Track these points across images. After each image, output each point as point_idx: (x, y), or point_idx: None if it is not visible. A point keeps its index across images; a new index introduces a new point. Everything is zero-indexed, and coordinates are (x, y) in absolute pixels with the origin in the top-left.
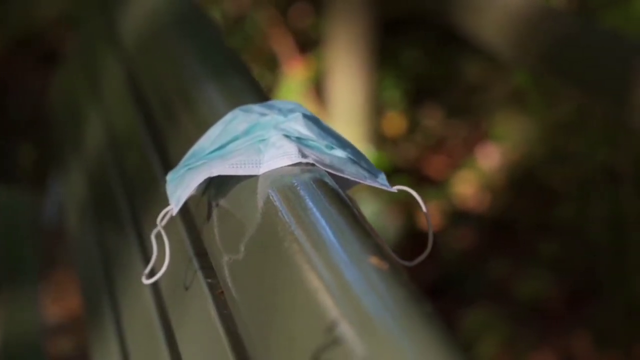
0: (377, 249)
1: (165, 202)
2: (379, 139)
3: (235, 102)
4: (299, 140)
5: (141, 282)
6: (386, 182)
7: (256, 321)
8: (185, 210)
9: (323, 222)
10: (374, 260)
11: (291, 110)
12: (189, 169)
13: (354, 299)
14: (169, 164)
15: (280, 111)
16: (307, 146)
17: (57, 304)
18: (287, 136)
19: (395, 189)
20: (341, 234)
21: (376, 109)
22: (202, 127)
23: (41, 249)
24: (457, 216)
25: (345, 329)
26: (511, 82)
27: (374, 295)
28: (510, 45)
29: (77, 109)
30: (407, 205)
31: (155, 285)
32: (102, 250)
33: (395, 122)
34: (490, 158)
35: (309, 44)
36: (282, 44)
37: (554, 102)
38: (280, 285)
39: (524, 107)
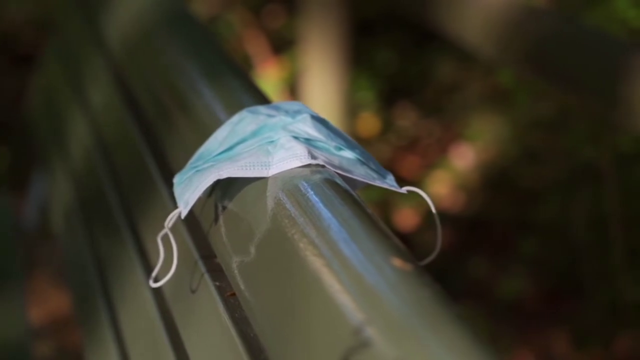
0: (397, 250)
1: (163, 204)
2: (353, 139)
3: (233, 103)
4: (308, 141)
5: (140, 286)
6: (395, 183)
7: (274, 324)
8: (188, 213)
9: (338, 223)
10: (396, 262)
11: (298, 112)
12: (197, 171)
13: (380, 300)
14: (166, 166)
15: (287, 112)
16: (316, 147)
17: (38, 307)
18: (296, 138)
19: (404, 189)
20: (359, 235)
21: (350, 110)
22: (200, 129)
23: (23, 252)
24: (431, 215)
25: (374, 331)
26: (484, 81)
27: (400, 297)
28: (492, 45)
29: (58, 111)
30: (382, 206)
31: (156, 288)
32: (93, 252)
33: (369, 123)
34: (464, 158)
35: (282, 44)
36: (256, 45)
37: (536, 100)
38: (298, 288)
39: (498, 106)
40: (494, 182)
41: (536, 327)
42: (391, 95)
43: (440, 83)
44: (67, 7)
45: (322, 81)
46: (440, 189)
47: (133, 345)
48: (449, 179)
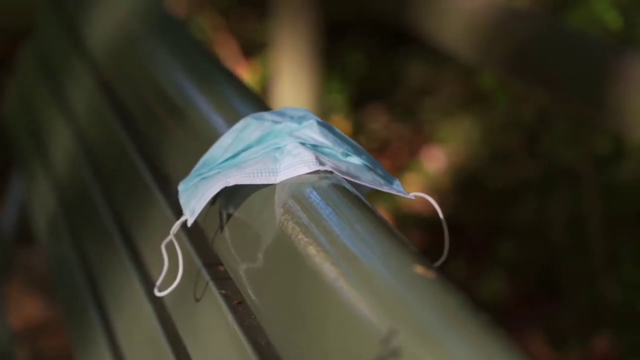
0: (417, 257)
1: (159, 211)
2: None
3: (227, 106)
4: (315, 147)
5: (137, 295)
6: (402, 189)
7: (290, 333)
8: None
9: (353, 230)
10: (419, 269)
11: (303, 117)
12: (203, 178)
13: (407, 308)
14: (159, 172)
15: (293, 118)
16: (323, 154)
17: (14, 313)
18: (303, 144)
19: (412, 195)
20: (376, 242)
21: (321, 113)
22: (194, 133)
23: (1, 257)
24: (405, 219)
25: (404, 340)
26: (456, 84)
27: (427, 304)
28: (474, 48)
29: (37, 116)
30: None
31: (155, 297)
32: (81, 260)
33: (340, 126)
34: (436, 160)
35: (253, 48)
36: (227, 49)
37: (514, 103)
38: (314, 296)
39: (469, 109)
40: (466, 184)
41: (514, 329)
42: (362, 98)
43: (411, 86)
44: (43, 12)
45: (294, 84)
46: (411, 191)
47: (132, 357)
48: (420, 181)
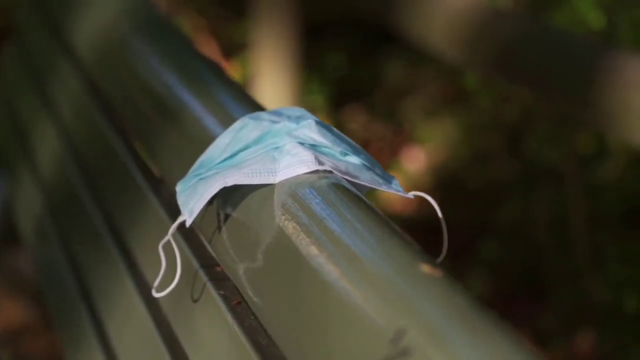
0: (422, 256)
1: (152, 212)
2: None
3: (220, 108)
4: (314, 147)
5: (131, 296)
6: (400, 188)
7: (294, 332)
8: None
9: (356, 229)
10: (426, 268)
11: (300, 117)
12: (201, 179)
13: (415, 307)
14: (150, 173)
15: (290, 118)
16: (322, 153)
17: None
18: (301, 143)
19: (411, 194)
20: (381, 241)
21: None
22: (186, 134)
23: None
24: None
25: (414, 340)
26: (436, 84)
27: (436, 303)
28: (458, 48)
29: (22, 120)
30: None
31: (150, 299)
32: (71, 262)
33: None
34: (416, 160)
35: (233, 49)
36: (207, 49)
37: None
38: (317, 296)
39: (450, 109)
40: (446, 184)
41: None
42: (342, 99)
43: (391, 86)
44: (25, 13)
45: (274, 85)
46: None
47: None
48: (400, 182)
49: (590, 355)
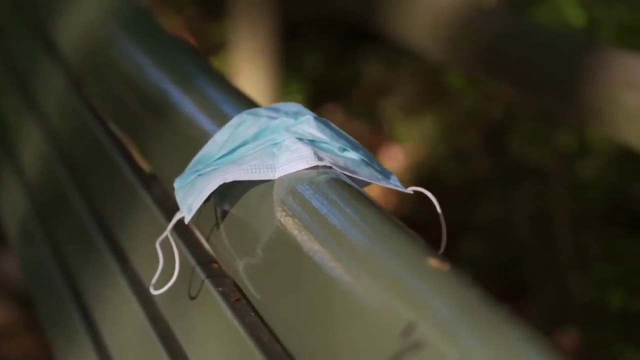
0: (428, 250)
1: (144, 210)
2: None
3: (209, 103)
4: (312, 143)
5: (124, 295)
6: (399, 183)
7: (298, 328)
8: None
9: (360, 224)
10: (433, 262)
11: (298, 113)
12: (199, 175)
13: (425, 301)
14: (141, 171)
15: (287, 114)
16: (321, 149)
17: None
18: (300, 139)
19: (410, 190)
20: (385, 235)
21: None
22: (177, 130)
23: None
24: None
25: (425, 334)
26: (414, 83)
27: (446, 297)
28: (442, 46)
29: (5, 121)
30: None
31: (145, 297)
32: (60, 262)
33: None
34: (395, 159)
35: (212, 48)
36: None
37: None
38: (322, 291)
39: (428, 107)
40: (426, 183)
41: None
42: (320, 98)
43: (368, 85)
44: (5, 12)
45: (252, 84)
46: (371, 190)
47: (121, 358)
48: None
49: (573, 352)
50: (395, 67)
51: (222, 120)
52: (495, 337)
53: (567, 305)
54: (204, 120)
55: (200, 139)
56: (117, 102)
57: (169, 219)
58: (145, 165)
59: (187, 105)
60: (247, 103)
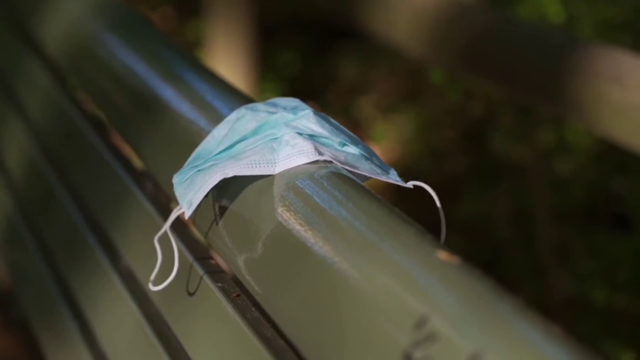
0: (436, 244)
1: (137, 206)
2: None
3: (198, 98)
4: (312, 137)
5: (118, 292)
6: (398, 177)
7: (304, 322)
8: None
9: (365, 218)
10: (443, 255)
11: (296, 108)
12: (199, 170)
13: (438, 296)
14: (132, 168)
15: (286, 109)
16: (321, 144)
17: None
18: (300, 134)
19: (410, 184)
20: (392, 229)
21: None
22: (171, 127)
23: None
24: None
25: (437, 327)
26: (389, 82)
27: (458, 290)
28: (424, 44)
29: None
30: None
31: (139, 294)
32: (47, 261)
33: None
34: None
35: (187, 47)
36: None
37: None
38: (329, 285)
39: (404, 106)
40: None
41: None
42: (295, 97)
43: (344, 84)
44: None
45: None
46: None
47: (116, 357)
48: None
49: None
50: (371, 65)
51: (212, 114)
52: (509, 329)
53: (549, 302)
54: (194, 116)
55: (190, 134)
56: (106, 99)
57: (162, 215)
58: (135, 162)
59: (177, 101)
60: (238, 98)
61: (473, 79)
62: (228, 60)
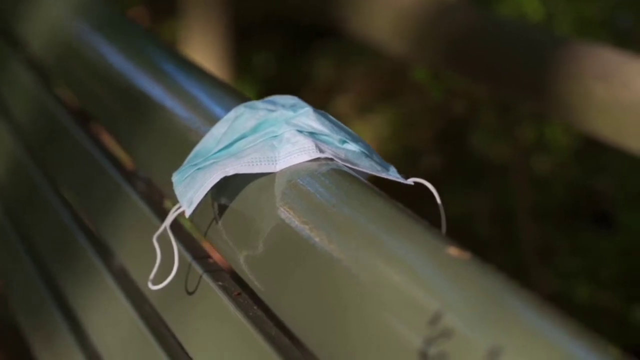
0: (445, 240)
1: (129, 205)
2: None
3: (186, 94)
4: (313, 135)
5: (111, 292)
6: (398, 175)
7: (310, 318)
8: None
9: (370, 215)
10: (453, 251)
11: (295, 105)
12: (198, 169)
13: (451, 291)
14: (123, 167)
15: (285, 106)
16: (321, 141)
17: None
18: (300, 132)
19: (410, 181)
20: (399, 226)
21: None
22: (162, 126)
23: None
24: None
25: (453, 322)
26: (366, 81)
27: (471, 285)
28: (406, 42)
29: None
30: None
31: (134, 293)
32: (37, 262)
33: None
34: None
35: None
36: None
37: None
38: (337, 283)
39: (379, 105)
40: (382, 180)
41: None
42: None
43: (320, 84)
44: None
45: None
46: None
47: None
48: None
49: None
50: (347, 65)
51: (203, 112)
52: (527, 325)
53: None
54: (185, 113)
55: (182, 132)
56: (95, 99)
57: (156, 214)
58: (126, 161)
59: (167, 99)
60: (229, 95)
61: (455, 77)
62: (203, 60)
